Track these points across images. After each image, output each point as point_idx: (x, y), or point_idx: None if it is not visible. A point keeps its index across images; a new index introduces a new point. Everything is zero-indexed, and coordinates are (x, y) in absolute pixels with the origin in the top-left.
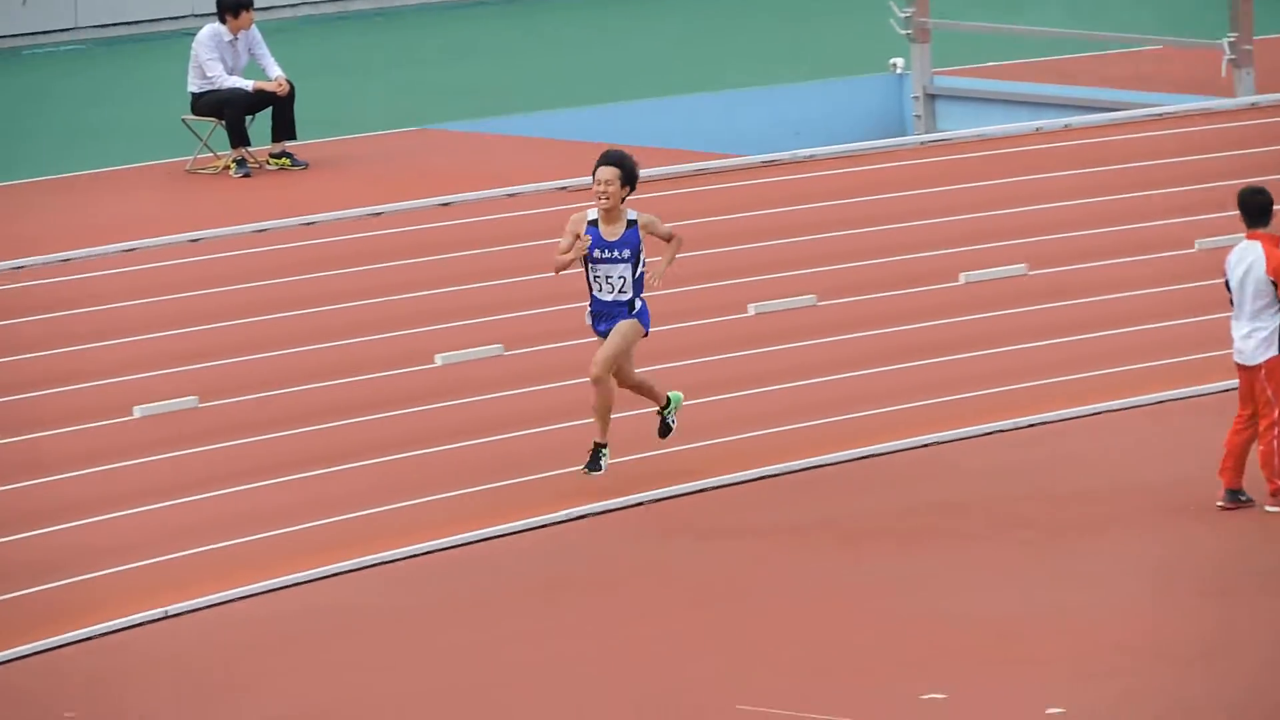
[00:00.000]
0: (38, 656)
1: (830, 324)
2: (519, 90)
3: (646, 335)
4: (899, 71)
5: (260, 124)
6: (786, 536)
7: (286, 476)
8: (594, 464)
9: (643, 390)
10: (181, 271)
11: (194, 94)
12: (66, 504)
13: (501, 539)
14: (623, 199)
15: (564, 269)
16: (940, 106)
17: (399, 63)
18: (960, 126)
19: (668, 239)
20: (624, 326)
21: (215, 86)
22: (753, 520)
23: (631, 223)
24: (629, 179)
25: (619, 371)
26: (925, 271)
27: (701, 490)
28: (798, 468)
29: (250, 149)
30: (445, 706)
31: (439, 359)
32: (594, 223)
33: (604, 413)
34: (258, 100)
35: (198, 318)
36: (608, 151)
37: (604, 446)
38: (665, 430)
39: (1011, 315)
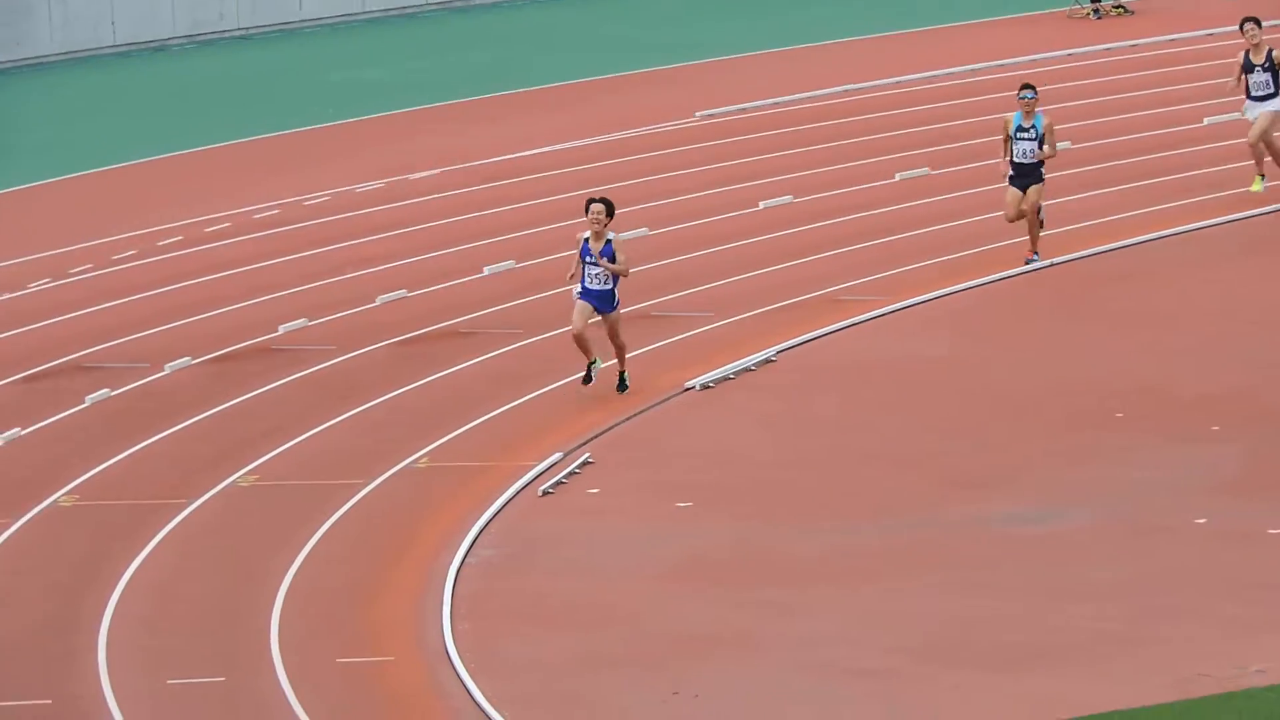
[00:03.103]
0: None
1: None
2: None
3: (618, 310)
4: None
5: None
6: None
7: None
8: (587, 378)
9: (620, 350)
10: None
11: None
12: None
13: None
14: (607, 224)
15: (571, 272)
16: None
17: None
18: None
19: (620, 263)
20: (612, 316)
21: None
22: None
23: (609, 241)
24: (610, 214)
25: (611, 332)
26: None
27: None
28: None
29: (1102, 2)
30: None
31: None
32: (586, 239)
33: (586, 346)
34: None
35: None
36: (599, 197)
37: (594, 363)
38: (622, 387)
39: None
